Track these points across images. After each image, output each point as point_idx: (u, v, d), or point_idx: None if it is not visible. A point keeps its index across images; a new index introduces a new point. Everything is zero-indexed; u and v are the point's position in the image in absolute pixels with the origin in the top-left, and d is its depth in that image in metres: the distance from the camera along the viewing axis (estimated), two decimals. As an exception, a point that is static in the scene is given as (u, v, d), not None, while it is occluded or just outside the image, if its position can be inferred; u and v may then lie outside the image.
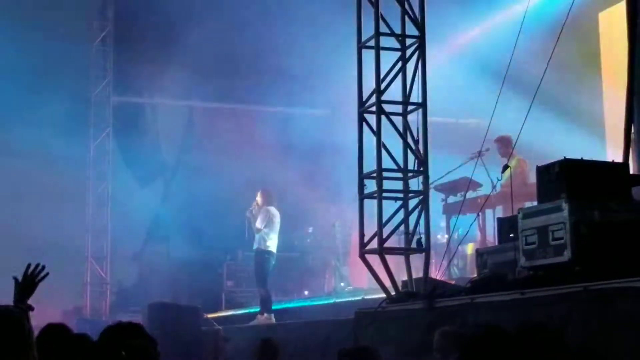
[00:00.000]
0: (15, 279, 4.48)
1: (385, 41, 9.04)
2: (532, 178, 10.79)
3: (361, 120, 9.07)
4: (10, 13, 16.32)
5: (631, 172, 7.30)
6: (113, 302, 17.51)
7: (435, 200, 11.39)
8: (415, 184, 8.90)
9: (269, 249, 12.69)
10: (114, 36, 17.27)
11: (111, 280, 17.49)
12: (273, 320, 12.36)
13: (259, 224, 12.61)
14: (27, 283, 4.42)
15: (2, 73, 16.15)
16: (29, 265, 4.51)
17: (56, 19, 16.05)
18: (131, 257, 18.03)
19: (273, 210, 12.78)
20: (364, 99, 9.11)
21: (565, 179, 6.52)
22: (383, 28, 9.00)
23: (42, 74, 16.11)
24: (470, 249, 11.69)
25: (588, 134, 13.40)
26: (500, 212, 11.13)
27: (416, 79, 8.95)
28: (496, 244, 8.49)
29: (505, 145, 11.47)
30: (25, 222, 16.15)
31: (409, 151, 8.95)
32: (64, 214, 16.81)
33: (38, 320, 4.49)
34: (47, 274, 4.52)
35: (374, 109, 8.90)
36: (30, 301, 4.36)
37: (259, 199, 12.88)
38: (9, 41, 15.99)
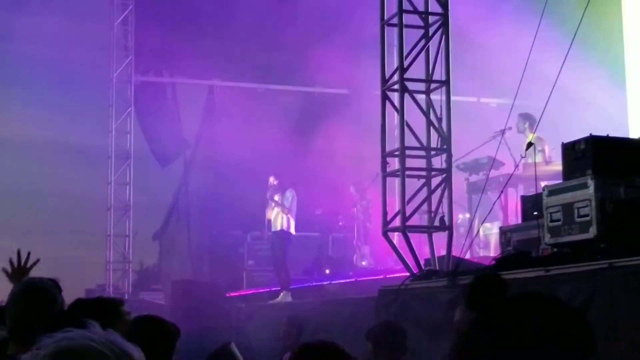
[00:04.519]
0: (5, 270, 4.43)
1: (408, 19, 9.02)
2: (554, 157, 10.82)
3: (384, 98, 9.07)
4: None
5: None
6: (135, 281, 17.62)
7: (458, 179, 11.36)
8: (438, 162, 8.90)
9: (290, 230, 12.77)
10: (136, 15, 17.24)
11: (133, 258, 17.58)
12: (289, 298, 12.44)
13: (288, 205, 12.64)
14: (19, 272, 4.38)
15: (24, 53, 16.25)
16: (19, 253, 4.46)
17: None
18: (152, 236, 18.11)
19: (294, 192, 12.86)
20: (386, 77, 9.10)
21: (591, 155, 6.51)
22: (406, 5, 8.98)
23: (64, 53, 16.17)
24: (492, 227, 11.66)
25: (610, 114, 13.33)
26: (522, 190, 11.11)
27: (439, 56, 8.94)
28: (519, 222, 8.48)
29: (524, 121, 11.47)
30: (48, 199, 16.26)
31: (432, 129, 8.94)
32: (85, 192, 16.92)
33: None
34: (38, 260, 4.48)
35: (396, 87, 8.90)
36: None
37: (274, 181, 12.88)
38: (30, 21, 16.05)
